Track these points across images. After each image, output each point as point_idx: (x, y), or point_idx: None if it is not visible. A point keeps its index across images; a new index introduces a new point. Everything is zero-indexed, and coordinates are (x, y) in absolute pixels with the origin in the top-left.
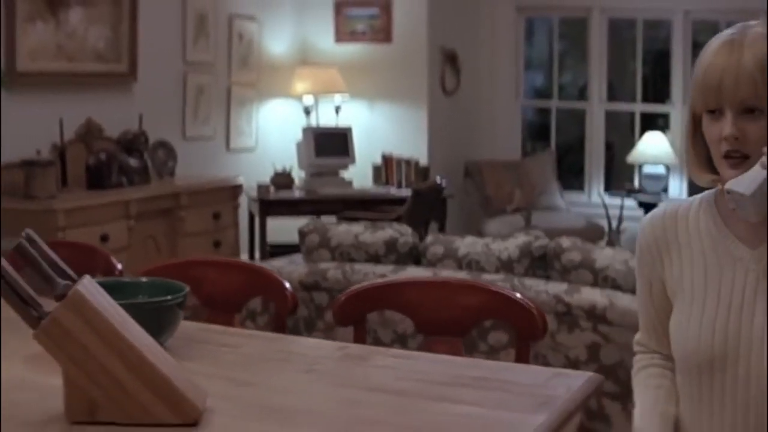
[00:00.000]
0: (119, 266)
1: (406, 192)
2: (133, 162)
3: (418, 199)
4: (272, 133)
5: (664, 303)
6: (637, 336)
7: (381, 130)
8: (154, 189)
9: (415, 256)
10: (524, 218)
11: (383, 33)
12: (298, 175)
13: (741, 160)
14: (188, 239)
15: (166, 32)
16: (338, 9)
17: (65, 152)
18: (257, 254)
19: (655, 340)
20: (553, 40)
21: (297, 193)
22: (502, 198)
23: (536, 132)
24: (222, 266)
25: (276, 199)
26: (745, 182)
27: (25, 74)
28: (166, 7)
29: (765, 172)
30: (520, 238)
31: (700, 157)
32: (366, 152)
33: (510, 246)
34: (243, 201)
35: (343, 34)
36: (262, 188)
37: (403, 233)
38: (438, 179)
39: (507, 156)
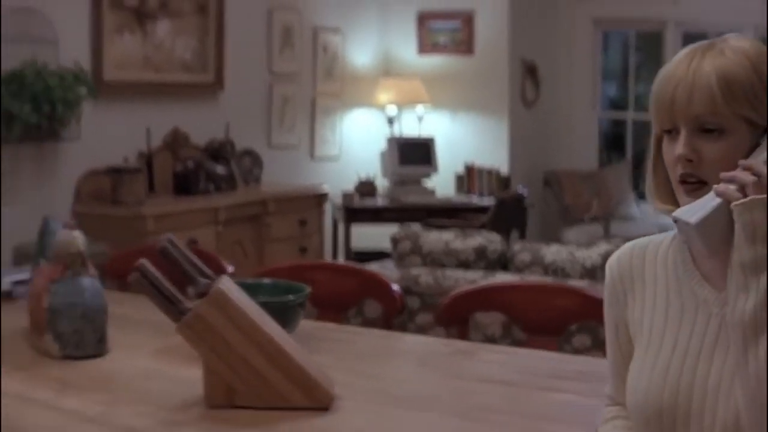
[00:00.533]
0: (230, 269)
1: (487, 201)
2: (219, 169)
3: (501, 208)
4: (355, 142)
5: (630, 348)
6: (607, 387)
7: (463, 140)
8: (240, 196)
9: (503, 263)
10: (603, 227)
11: (465, 45)
12: (381, 184)
13: (698, 185)
14: (274, 245)
15: (252, 43)
16: (421, 21)
17: (152, 160)
18: (341, 260)
19: (621, 391)
20: (629, 52)
21: (380, 201)
22: (580, 207)
23: (612, 142)
24: (333, 269)
25: (360, 207)
26: (692, 210)
27: (112, 84)
28: (252, 19)
29: (718, 199)
30: (603, 247)
31: (660, 184)
32: (448, 162)
33: (593, 254)
34: (326, 208)
35: (425, 46)
36: (347, 196)
37: (492, 241)
38: (519, 189)
39: (585, 166)
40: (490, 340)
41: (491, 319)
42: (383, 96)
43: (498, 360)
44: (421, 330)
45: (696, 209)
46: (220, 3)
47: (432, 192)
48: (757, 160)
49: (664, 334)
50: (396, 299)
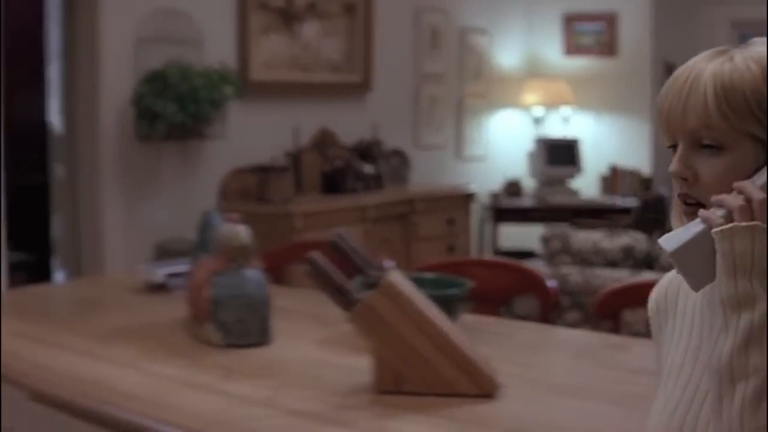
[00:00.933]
0: (388, 264)
1: (630, 202)
2: (367, 169)
3: (645, 210)
4: (501, 143)
5: None
6: None
7: (607, 141)
8: (388, 195)
9: (649, 262)
10: None
11: (608, 47)
12: (526, 184)
13: (697, 207)
14: (422, 243)
15: (400, 45)
16: (567, 23)
17: (300, 159)
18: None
19: None
20: None
21: (527, 201)
22: None
23: None
24: (490, 265)
25: (508, 206)
26: (677, 235)
27: (259, 84)
28: (400, 21)
29: (702, 225)
30: None
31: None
32: (592, 163)
33: None
34: (473, 207)
35: (571, 47)
36: (494, 196)
37: (638, 240)
38: (660, 190)
39: None
40: (637, 336)
41: (637, 317)
42: (529, 97)
43: (650, 353)
44: (571, 327)
45: (680, 235)
46: (369, 4)
47: (576, 192)
48: (753, 181)
49: (679, 374)
50: (552, 294)
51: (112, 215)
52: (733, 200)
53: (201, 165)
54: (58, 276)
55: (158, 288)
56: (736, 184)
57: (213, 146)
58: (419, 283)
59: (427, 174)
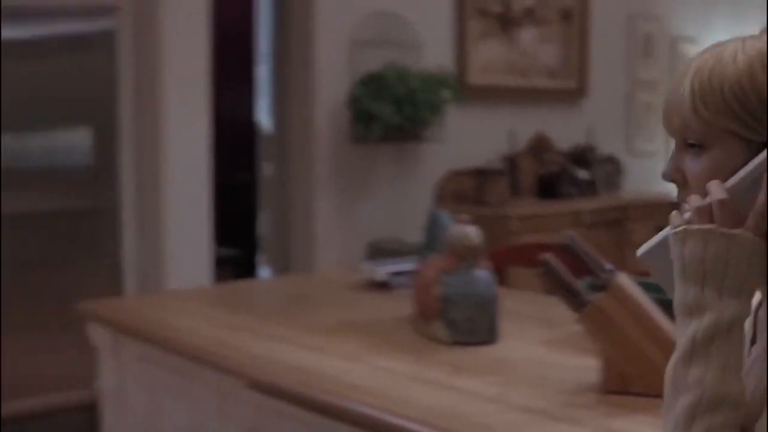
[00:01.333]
0: (609, 267)
1: None
2: (582, 174)
3: None
4: None
5: None
6: None
7: None
8: (602, 201)
9: None
10: None
11: None
12: None
13: None
14: (635, 250)
15: (614, 51)
16: None
17: (516, 163)
18: None
19: None
20: None
21: None
22: None
23: None
24: None
25: None
26: (650, 241)
27: (476, 88)
28: (614, 28)
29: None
30: None
31: None
32: None
33: None
34: None
35: None
36: None
37: None
38: None
39: None
40: None
41: None
42: None
43: None
44: None
45: (653, 239)
46: (584, 11)
47: None
48: (724, 182)
49: None
50: None
51: (324, 214)
52: (695, 201)
53: (417, 167)
54: (263, 272)
55: (380, 286)
56: (708, 184)
57: (430, 149)
58: (642, 287)
59: (639, 181)
